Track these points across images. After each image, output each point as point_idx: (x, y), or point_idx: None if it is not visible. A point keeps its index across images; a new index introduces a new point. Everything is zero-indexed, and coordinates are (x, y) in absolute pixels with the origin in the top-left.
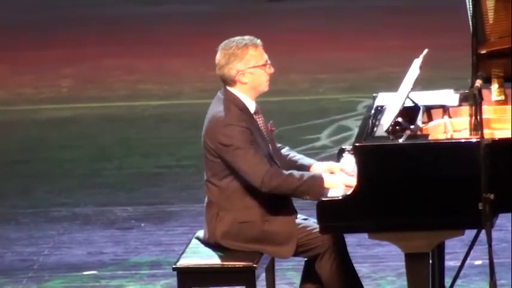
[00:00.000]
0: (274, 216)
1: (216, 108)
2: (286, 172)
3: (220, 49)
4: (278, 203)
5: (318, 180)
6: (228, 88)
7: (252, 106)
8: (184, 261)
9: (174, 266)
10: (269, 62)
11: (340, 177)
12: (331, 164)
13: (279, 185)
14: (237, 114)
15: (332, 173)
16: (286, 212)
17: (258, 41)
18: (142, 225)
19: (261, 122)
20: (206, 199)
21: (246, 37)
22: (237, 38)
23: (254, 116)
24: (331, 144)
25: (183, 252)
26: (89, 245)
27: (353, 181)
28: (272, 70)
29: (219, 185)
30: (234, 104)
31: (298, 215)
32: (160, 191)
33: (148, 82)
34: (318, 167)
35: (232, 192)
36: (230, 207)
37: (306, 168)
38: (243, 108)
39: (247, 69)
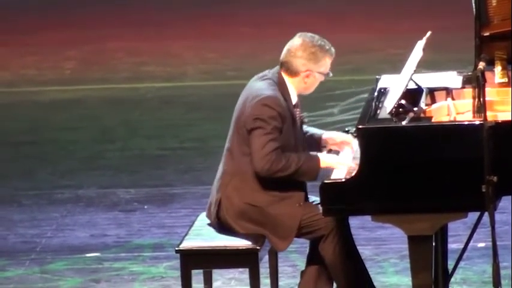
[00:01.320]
0: (280, 205)
1: (263, 86)
2: (285, 157)
3: (301, 39)
4: (288, 192)
5: (313, 161)
6: (283, 74)
7: (294, 98)
8: (187, 244)
9: (177, 248)
10: (330, 74)
11: (337, 158)
12: (343, 136)
13: (277, 170)
14: (279, 100)
15: (343, 142)
16: (294, 202)
17: (334, 51)
18: (146, 207)
19: (298, 115)
20: (219, 171)
21: (326, 42)
22: (318, 37)
23: (294, 109)
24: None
25: (186, 235)
26: (92, 227)
27: (349, 162)
28: (323, 79)
29: (237, 160)
30: (281, 91)
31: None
32: (164, 173)
33: (151, 64)
34: (329, 135)
35: (247, 172)
36: (241, 184)
37: (316, 138)
38: (288, 99)
39: (316, 72)
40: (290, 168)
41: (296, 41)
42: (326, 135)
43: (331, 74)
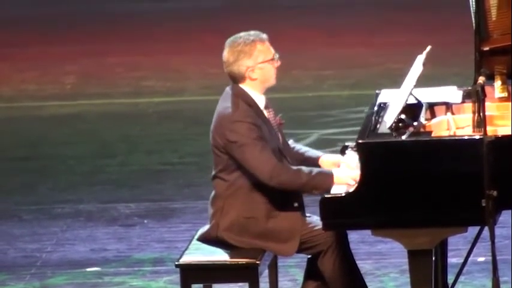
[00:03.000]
0: (279, 212)
1: (225, 104)
2: (294, 167)
3: (227, 46)
4: (284, 200)
5: (327, 175)
6: (236, 84)
7: (261, 101)
8: (187, 258)
9: (176, 263)
10: (276, 55)
11: (348, 173)
12: (339, 158)
13: (288, 180)
14: (245, 110)
15: (339, 166)
16: (291, 208)
17: (264, 36)
18: (145, 222)
19: (271, 116)
20: (212, 194)
21: (252, 32)
22: (243, 33)
23: (264, 111)
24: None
25: (185, 249)
26: (92, 241)
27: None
28: (279, 63)
29: (227, 179)
30: (242, 99)
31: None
32: (164, 188)
33: (151, 79)
34: (326, 159)
35: (240, 187)
36: (236, 201)
37: (313, 160)
38: (253, 104)
39: (257, 65)
40: (301, 179)
41: (225, 51)
42: (324, 158)
43: (277, 55)
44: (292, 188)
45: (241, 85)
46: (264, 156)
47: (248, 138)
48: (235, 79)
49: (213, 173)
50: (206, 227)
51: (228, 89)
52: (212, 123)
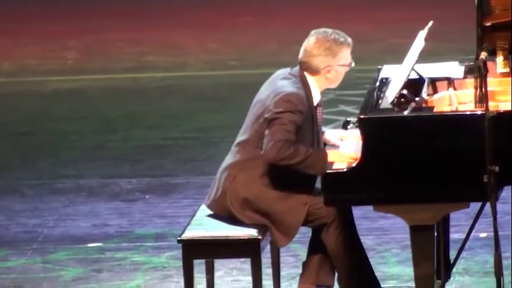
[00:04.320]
0: (286, 201)
1: (288, 84)
2: (293, 147)
3: (315, 37)
4: (296, 190)
5: (321, 154)
6: (305, 73)
7: (317, 98)
8: (189, 233)
9: (178, 238)
10: (353, 63)
11: (343, 152)
12: (342, 133)
13: (284, 158)
14: (301, 98)
15: (342, 140)
16: (300, 200)
17: (350, 40)
18: (147, 197)
19: (319, 115)
20: (230, 159)
21: (341, 33)
22: (331, 30)
23: (316, 108)
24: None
25: (187, 224)
26: (94, 217)
27: (355, 154)
28: (348, 70)
29: (251, 152)
30: (304, 90)
31: None
32: (165, 163)
33: (153, 54)
34: (330, 135)
35: (259, 166)
36: (249, 177)
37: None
38: (310, 98)
39: (336, 66)
40: (297, 158)
41: (311, 40)
42: (327, 135)
43: (353, 64)
44: (287, 166)
45: (309, 76)
46: (278, 136)
47: (284, 116)
48: (308, 69)
49: (241, 139)
50: (214, 193)
51: (293, 72)
52: (263, 93)
